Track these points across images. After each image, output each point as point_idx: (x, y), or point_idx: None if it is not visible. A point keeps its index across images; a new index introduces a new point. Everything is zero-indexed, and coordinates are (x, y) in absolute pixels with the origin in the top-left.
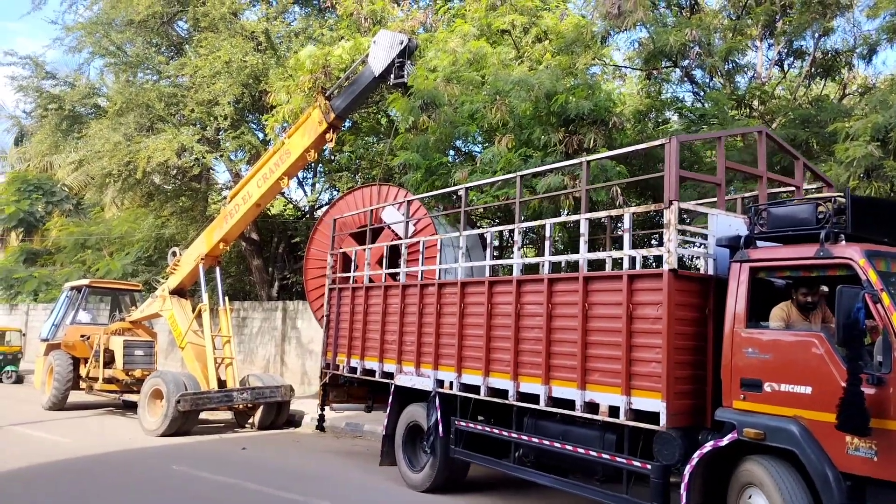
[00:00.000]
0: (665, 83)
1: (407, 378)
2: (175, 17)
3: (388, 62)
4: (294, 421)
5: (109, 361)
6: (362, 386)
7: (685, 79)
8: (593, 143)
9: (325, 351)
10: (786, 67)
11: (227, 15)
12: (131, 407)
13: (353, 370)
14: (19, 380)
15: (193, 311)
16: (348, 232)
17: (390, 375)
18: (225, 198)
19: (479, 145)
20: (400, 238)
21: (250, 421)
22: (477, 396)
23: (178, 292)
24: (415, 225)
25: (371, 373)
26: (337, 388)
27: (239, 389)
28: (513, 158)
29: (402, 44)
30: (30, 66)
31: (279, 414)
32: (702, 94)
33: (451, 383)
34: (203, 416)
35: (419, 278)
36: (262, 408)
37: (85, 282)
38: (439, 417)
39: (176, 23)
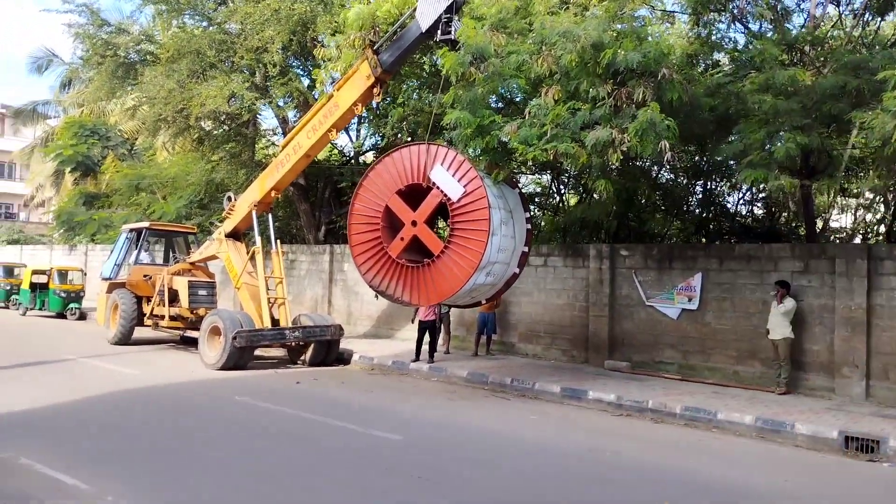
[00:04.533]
0: (715, 26)
1: None
2: None
3: (435, 18)
4: (343, 359)
5: (172, 300)
6: None
7: (735, 22)
8: (642, 97)
9: None
10: (841, 5)
11: None
12: (190, 343)
13: None
14: (82, 316)
15: (247, 253)
16: (394, 190)
17: None
18: (272, 143)
19: (525, 96)
20: (448, 198)
21: (302, 358)
22: None
23: (234, 235)
24: (465, 186)
25: None
26: None
27: (291, 328)
28: (561, 111)
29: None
30: (85, 13)
31: (329, 352)
32: (753, 36)
33: None
34: (258, 352)
35: None
36: (313, 346)
37: (145, 224)
38: None
39: None
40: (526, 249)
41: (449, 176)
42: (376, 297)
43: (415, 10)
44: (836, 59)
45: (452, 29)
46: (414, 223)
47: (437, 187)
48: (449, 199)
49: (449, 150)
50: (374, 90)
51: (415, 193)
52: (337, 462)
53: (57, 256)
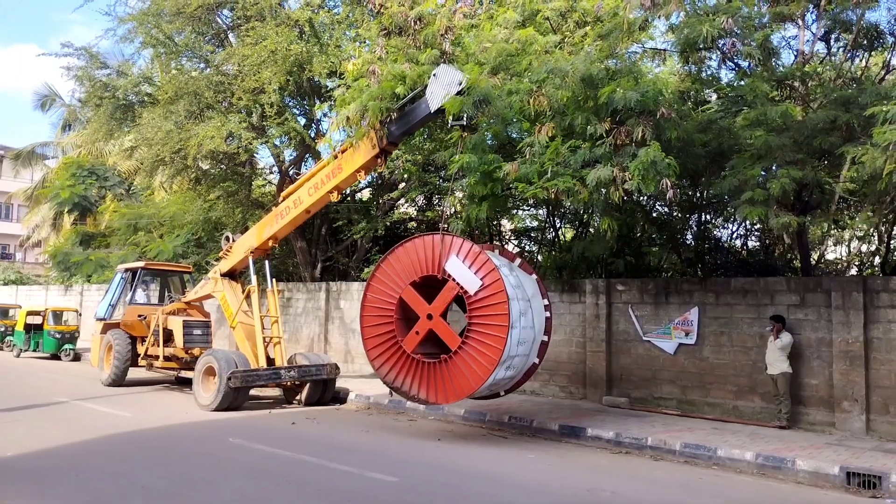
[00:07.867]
0: (704, 64)
1: None
2: (222, 6)
3: (444, 100)
4: (339, 398)
5: (167, 340)
6: None
7: (724, 61)
8: (642, 135)
9: None
10: (831, 42)
11: (274, 4)
12: (185, 383)
13: None
14: (76, 357)
15: (243, 292)
16: (408, 282)
17: None
18: (268, 181)
19: (522, 133)
20: (465, 291)
21: (298, 397)
22: None
23: (230, 275)
24: (482, 278)
25: None
26: None
27: (286, 367)
28: (561, 149)
29: (460, 84)
30: (84, 56)
31: (325, 391)
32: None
33: None
34: (253, 392)
35: None
36: (308, 385)
37: (140, 264)
38: None
39: (220, 12)
40: (546, 339)
41: (465, 268)
42: (391, 394)
43: (425, 87)
44: (826, 95)
45: (463, 116)
46: (430, 316)
47: (454, 279)
48: (466, 291)
49: (464, 241)
50: (379, 160)
51: (429, 284)
52: None
53: (53, 297)
